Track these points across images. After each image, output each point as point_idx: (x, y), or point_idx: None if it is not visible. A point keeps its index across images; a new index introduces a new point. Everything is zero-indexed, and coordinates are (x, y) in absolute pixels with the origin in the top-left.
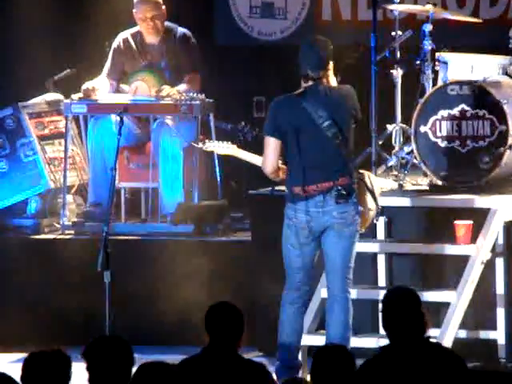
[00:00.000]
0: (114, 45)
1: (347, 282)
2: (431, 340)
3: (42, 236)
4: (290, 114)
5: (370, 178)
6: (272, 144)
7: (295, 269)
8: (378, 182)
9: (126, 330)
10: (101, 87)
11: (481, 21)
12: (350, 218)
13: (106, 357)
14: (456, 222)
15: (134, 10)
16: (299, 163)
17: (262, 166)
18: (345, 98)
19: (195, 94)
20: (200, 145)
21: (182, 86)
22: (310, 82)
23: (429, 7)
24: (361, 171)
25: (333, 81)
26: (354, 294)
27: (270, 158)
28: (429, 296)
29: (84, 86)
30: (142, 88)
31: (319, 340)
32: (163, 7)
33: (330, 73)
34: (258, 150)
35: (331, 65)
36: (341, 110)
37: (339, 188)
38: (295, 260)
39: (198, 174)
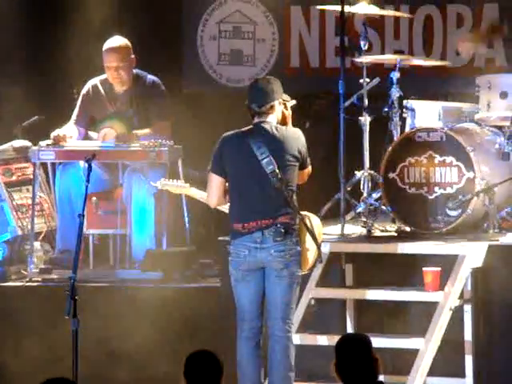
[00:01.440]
0: (84, 91)
1: (287, 323)
2: None
3: (9, 283)
4: (234, 151)
5: (310, 219)
6: (215, 181)
7: (244, 303)
8: (320, 226)
9: (92, 377)
10: (70, 134)
11: (448, 63)
12: (288, 258)
13: None
14: (424, 268)
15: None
16: (240, 200)
17: (207, 201)
18: (289, 139)
19: (164, 141)
20: (156, 184)
21: (146, 131)
22: (257, 119)
23: (396, 56)
24: (302, 212)
25: (286, 120)
26: (323, 340)
27: (213, 194)
28: (397, 343)
29: (54, 133)
30: (110, 135)
31: None
32: (131, 56)
33: (278, 112)
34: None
35: (277, 103)
36: (283, 149)
37: (278, 226)
38: (241, 293)
39: (167, 220)
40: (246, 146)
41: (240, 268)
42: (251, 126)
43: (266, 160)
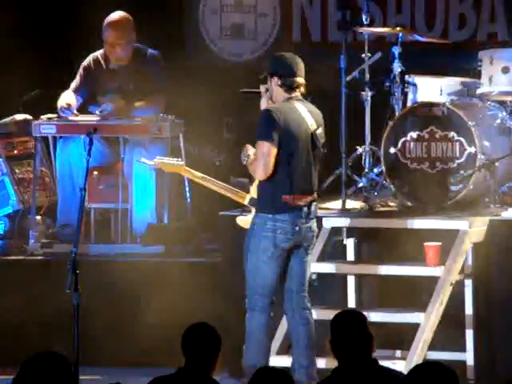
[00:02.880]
0: (85, 63)
1: (308, 297)
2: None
3: (11, 257)
4: (288, 121)
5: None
6: (272, 150)
7: (272, 280)
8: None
9: (94, 351)
10: (73, 102)
11: (449, 42)
12: (315, 235)
13: (42, 374)
14: (425, 243)
15: None
16: (291, 170)
17: (257, 171)
18: (320, 116)
19: (165, 115)
20: (148, 162)
21: (140, 103)
22: (295, 93)
23: (398, 29)
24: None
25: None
26: (322, 315)
27: (269, 164)
28: (398, 317)
29: (60, 104)
30: (109, 110)
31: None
32: (130, 32)
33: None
34: (224, 172)
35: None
36: (321, 124)
37: (315, 202)
38: (273, 270)
39: (169, 195)
40: (299, 116)
41: (283, 245)
42: (297, 99)
43: (319, 131)
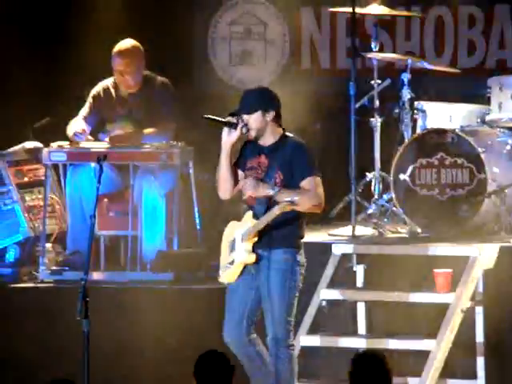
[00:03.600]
0: (94, 92)
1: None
2: None
3: (21, 284)
4: None
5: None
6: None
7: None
8: None
9: (104, 377)
10: (86, 129)
11: (458, 71)
12: None
13: None
14: (435, 270)
15: None
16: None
17: (319, 206)
18: None
19: (175, 142)
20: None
21: (150, 130)
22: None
23: (407, 56)
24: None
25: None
26: (334, 342)
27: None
28: (408, 344)
29: (75, 129)
30: (120, 136)
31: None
32: (140, 60)
33: None
34: (233, 199)
35: None
36: None
37: None
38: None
39: (178, 221)
40: None
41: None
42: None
43: None
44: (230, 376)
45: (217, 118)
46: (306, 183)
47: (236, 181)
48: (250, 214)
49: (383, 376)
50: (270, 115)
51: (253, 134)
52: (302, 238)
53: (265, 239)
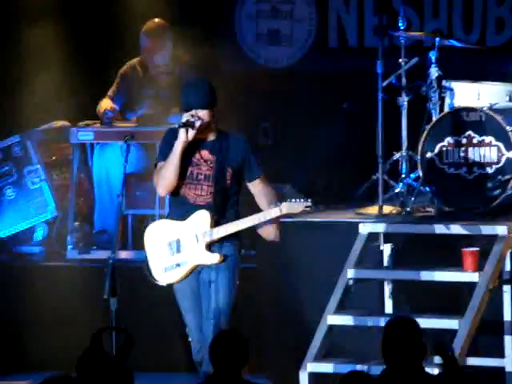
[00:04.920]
0: (122, 71)
1: None
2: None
3: (49, 263)
4: None
5: None
6: None
7: None
8: None
9: (132, 357)
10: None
11: (486, 48)
12: None
13: None
14: (463, 249)
15: None
16: None
17: None
18: None
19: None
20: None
21: (176, 109)
22: None
23: (435, 34)
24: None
25: None
26: (360, 321)
27: None
28: (435, 323)
29: (105, 107)
30: (148, 115)
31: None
32: (166, 40)
33: None
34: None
35: None
36: None
37: None
38: None
39: None
40: None
41: None
42: None
43: None
44: (245, 354)
45: (181, 123)
46: (259, 182)
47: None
48: (204, 213)
49: (416, 338)
50: (214, 111)
51: (200, 125)
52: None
53: None
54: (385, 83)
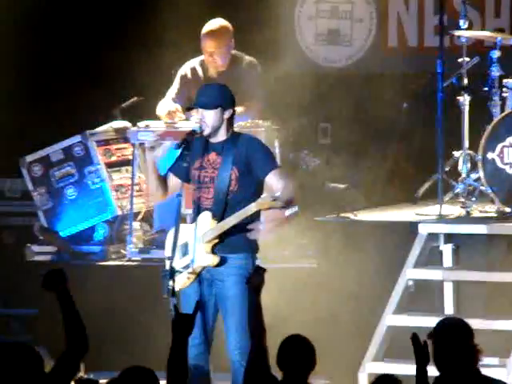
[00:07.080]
0: (181, 72)
1: None
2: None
3: (109, 262)
4: None
5: None
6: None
7: None
8: None
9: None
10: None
11: None
12: None
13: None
14: None
15: None
16: None
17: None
18: None
19: (261, 121)
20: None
21: (239, 109)
22: None
23: (496, 34)
24: None
25: None
26: (420, 321)
27: None
28: (497, 325)
29: (168, 108)
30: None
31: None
32: (229, 40)
33: None
34: (318, 178)
35: None
36: None
37: None
38: None
39: None
40: None
41: None
42: None
43: None
44: (313, 359)
45: (187, 139)
46: (271, 177)
47: (167, 187)
48: (206, 214)
49: (465, 337)
50: (228, 113)
51: (207, 131)
52: (257, 240)
53: (225, 243)
54: (445, 83)
